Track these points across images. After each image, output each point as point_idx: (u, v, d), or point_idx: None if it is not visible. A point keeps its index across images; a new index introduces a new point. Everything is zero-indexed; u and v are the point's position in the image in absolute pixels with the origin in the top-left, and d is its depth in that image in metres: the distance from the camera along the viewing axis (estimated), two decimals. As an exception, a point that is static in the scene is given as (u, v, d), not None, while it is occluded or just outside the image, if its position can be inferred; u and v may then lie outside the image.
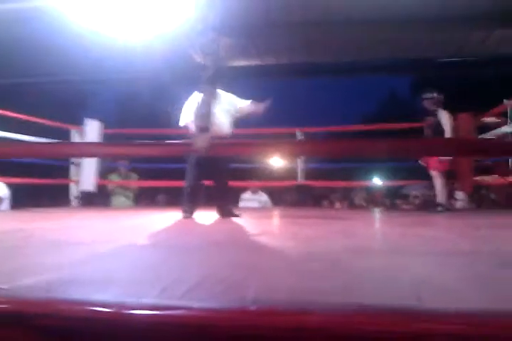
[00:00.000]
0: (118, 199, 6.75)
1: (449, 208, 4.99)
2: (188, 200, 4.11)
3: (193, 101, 4.04)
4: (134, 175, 7.07)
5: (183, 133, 4.24)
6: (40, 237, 2.47)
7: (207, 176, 4.19)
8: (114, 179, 6.88)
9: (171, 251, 2.02)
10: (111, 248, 2.05)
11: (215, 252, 1.99)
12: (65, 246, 2.09)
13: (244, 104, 4.22)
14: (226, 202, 4.17)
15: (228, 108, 4.15)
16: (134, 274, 1.44)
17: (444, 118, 4.96)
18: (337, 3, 4.20)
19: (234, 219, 3.78)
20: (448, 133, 4.90)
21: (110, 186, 6.83)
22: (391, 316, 1.00)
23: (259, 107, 4.20)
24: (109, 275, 1.39)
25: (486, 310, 1.04)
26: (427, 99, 5.11)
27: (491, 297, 1.15)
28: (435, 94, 5.10)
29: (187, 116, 4.12)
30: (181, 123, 4.21)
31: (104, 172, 6.57)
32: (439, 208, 4.82)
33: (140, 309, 1.09)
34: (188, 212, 4.00)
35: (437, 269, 1.55)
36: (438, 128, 4.98)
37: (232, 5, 3.65)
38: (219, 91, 4.09)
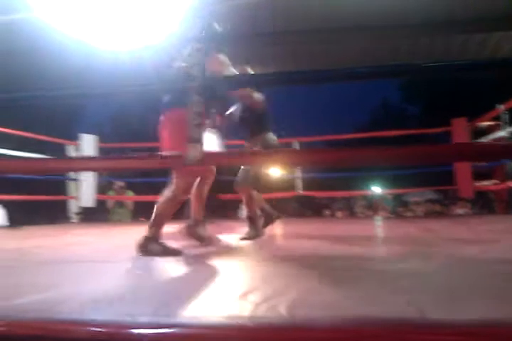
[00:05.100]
0: (115, 216, 6.77)
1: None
2: None
3: None
4: (130, 193, 7.01)
5: None
6: (37, 255, 2.43)
7: None
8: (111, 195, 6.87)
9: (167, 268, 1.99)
10: (107, 266, 2.02)
11: (208, 268, 1.96)
12: (62, 264, 2.06)
13: None
14: None
15: None
16: (130, 292, 1.40)
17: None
18: (321, 12, 4.22)
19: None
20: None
21: (109, 202, 6.83)
22: (392, 329, 0.97)
23: None
24: (105, 294, 1.36)
25: (488, 319, 1.01)
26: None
27: (494, 306, 1.12)
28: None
29: None
30: None
31: (102, 189, 6.53)
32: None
33: (137, 328, 1.06)
34: None
35: (436, 278, 1.52)
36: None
37: (220, 15, 3.65)
38: None
